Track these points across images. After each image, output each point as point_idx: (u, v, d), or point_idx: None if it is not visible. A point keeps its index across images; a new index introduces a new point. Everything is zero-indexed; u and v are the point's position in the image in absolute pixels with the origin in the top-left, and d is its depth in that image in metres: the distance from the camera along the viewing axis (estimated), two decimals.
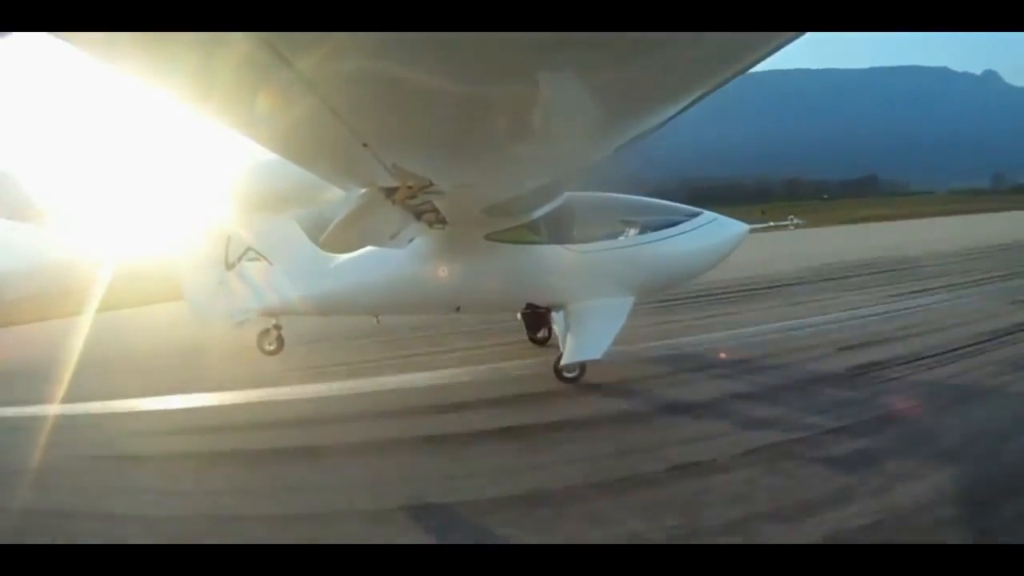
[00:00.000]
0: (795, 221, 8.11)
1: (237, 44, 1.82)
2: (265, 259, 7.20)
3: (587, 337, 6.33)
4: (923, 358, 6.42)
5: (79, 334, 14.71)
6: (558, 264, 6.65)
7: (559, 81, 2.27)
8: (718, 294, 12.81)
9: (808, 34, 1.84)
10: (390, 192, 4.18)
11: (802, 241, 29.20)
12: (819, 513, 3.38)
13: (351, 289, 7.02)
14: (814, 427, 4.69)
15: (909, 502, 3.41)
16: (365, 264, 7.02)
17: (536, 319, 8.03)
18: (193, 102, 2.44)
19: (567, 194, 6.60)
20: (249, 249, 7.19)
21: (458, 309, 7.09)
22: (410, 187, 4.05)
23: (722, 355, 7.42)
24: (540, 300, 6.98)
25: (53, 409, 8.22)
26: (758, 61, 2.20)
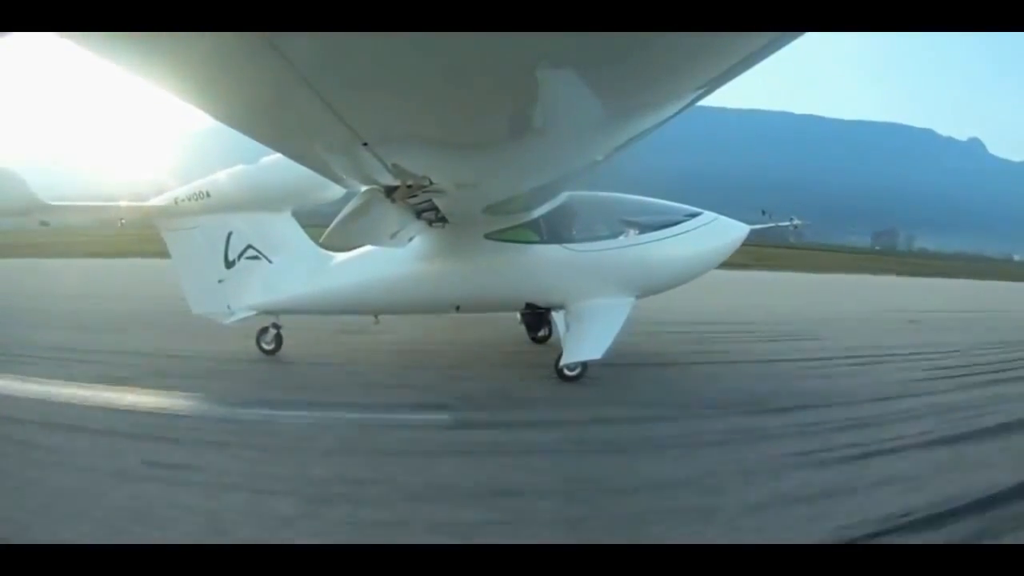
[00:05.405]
0: (796, 222, 8.03)
1: (238, 44, 1.83)
2: (265, 257, 7.20)
3: (587, 337, 6.33)
4: None
5: None
6: (558, 264, 6.66)
7: (559, 81, 2.27)
8: None
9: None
10: (390, 191, 4.19)
11: None
12: None
13: (350, 288, 7.02)
14: None
15: None
16: (365, 263, 7.02)
17: (536, 319, 8.03)
18: (195, 100, 2.45)
19: (567, 194, 6.60)
20: (249, 247, 7.19)
21: (458, 308, 7.09)
22: (410, 186, 4.05)
23: None
24: (539, 300, 6.98)
25: None
26: (756, 61, 2.21)
